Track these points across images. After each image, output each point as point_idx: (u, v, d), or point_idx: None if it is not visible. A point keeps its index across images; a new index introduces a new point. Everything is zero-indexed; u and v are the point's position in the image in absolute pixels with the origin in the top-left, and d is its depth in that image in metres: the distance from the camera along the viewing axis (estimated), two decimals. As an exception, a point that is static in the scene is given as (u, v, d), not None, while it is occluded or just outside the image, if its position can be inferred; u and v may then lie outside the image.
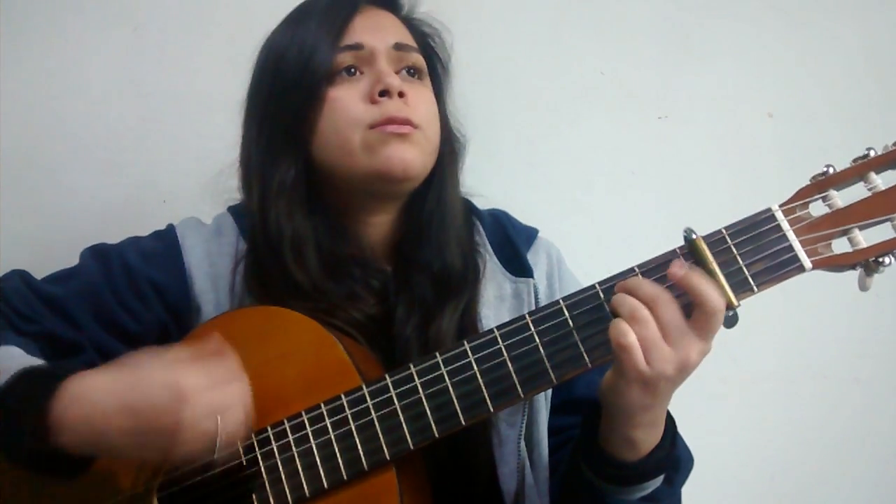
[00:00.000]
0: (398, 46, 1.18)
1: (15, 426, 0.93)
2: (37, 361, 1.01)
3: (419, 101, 1.16)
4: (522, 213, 1.34)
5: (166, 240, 1.20)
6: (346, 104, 1.14)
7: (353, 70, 1.16)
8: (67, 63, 1.55)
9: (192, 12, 1.59)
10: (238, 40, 1.50)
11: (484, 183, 1.34)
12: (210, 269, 1.17)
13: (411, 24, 1.26)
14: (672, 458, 1.05)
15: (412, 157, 1.13)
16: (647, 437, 1.01)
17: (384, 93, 1.13)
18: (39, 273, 1.19)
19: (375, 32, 1.18)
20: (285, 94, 1.16)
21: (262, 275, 1.15)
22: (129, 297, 1.15)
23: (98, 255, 1.19)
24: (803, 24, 1.70)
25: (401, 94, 1.14)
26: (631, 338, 0.91)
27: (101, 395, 0.91)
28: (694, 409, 1.22)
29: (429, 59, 1.24)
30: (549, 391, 1.17)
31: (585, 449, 1.06)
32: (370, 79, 1.15)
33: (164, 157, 1.58)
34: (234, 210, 1.25)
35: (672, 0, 1.70)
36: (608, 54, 1.69)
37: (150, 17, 1.58)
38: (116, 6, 1.57)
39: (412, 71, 1.20)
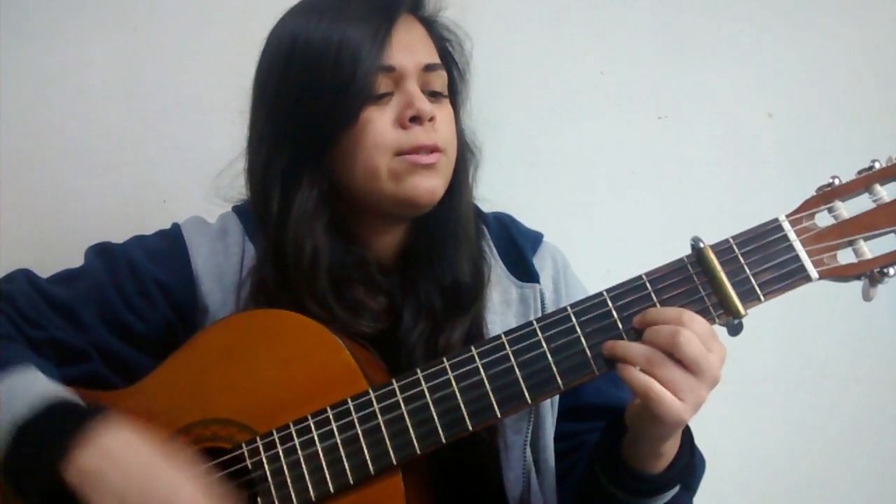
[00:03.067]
0: (428, 68, 1.15)
1: (32, 462, 0.93)
2: (58, 388, 0.99)
3: (442, 122, 1.14)
4: (522, 213, 1.34)
5: (173, 239, 1.19)
6: (378, 128, 1.10)
7: (382, 93, 1.12)
8: (67, 63, 1.54)
9: (191, 12, 1.58)
10: (238, 40, 1.50)
11: (483, 183, 1.32)
12: (216, 269, 1.16)
13: (432, 28, 1.21)
14: (691, 465, 1.06)
15: (437, 184, 1.13)
16: (671, 449, 1.02)
17: (415, 118, 1.11)
18: (40, 273, 1.17)
19: (407, 52, 1.13)
20: (318, 110, 1.11)
21: (271, 298, 1.12)
22: (134, 296, 1.13)
23: (103, 254, 1.17)
24: (803, 24, 1.71)
25: (431, 119, 1.12)
26: (657, 388, 0.92)
27: (131, 461, 0.93)
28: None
29: (447, 67, 1.21)
30: (556, 397, 1.17)
31: (606, 462, 1.06)
32: (400, 101, 1.12)
33: (164, 157, 1.57)
34: (239, 210, 1.23)
35: (672, 0, 1.69)
36: (608, 54, 1.68)
37: (150, 17, 1.57)
38: (116, 6, 1.56)
39: (436, 91, 1.16)
